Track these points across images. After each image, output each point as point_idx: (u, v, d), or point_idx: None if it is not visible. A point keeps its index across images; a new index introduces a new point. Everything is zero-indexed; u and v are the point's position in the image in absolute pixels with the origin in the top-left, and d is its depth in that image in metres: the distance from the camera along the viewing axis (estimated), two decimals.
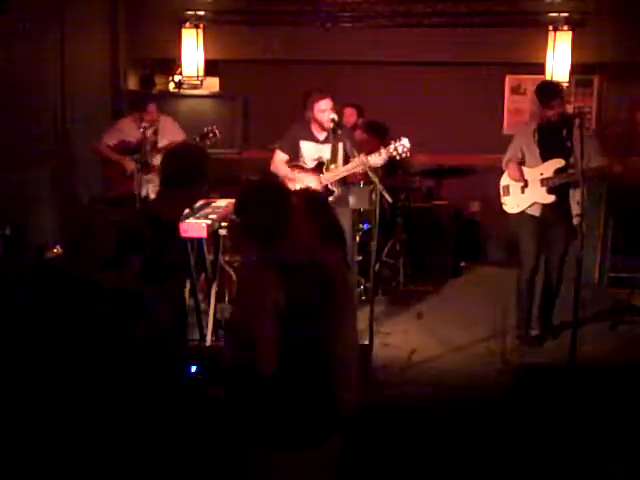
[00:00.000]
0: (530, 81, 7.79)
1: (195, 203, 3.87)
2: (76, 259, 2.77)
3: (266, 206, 2.68)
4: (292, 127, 5.55)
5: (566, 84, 7.36)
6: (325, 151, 5.48)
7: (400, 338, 5.60)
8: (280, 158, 5.57)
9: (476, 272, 7.34)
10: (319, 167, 5.48)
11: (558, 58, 7.30)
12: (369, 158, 5.14)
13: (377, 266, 6.07)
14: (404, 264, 6.75)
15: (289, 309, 2.59)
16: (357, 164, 5.23)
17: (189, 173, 3.21)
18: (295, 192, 3.18)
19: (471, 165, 7.38)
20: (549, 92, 5.25)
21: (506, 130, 7.87)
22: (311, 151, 5.49)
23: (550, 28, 7.31)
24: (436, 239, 7.28)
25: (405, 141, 5.14)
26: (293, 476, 2.65)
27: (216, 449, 2.80)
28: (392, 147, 5.16)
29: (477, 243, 7.72)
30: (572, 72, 7.32)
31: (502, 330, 5.49)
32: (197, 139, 6.01)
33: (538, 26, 7.38)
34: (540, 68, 7.41)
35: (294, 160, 5.54)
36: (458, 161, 7.42)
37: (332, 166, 5.44)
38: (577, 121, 4.88)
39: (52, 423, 2.54)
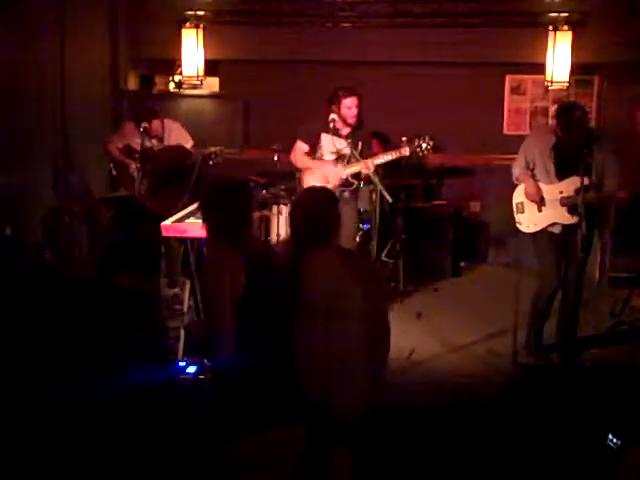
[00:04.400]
0: (530, 81, 7.80)
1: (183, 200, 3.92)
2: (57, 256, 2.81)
3: (229, 204, 2.91)
4: (314, 121, 5.66)
5: (566, 84, 7.37)
6: (345, 145, 5.58)
7: (399, 338, 5.58)
8: (300, 148, 5.69)
9: (476, 272, 7.35)
10: (339, 160, 5.61)
11: (558, 58, 7.29)
12: (391, 153, 5.53)
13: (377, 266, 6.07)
14: (404, 264, 6.75)
15: (248, 291, 2.71)
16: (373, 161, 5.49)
17: (178, 173, 3.31)
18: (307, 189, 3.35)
19: (471, 165, 7.38)
20: (567, 117, 4.91)
21: (506, 130, 7.87)
22: (331, 144, 5.59)
23: (550, 28, 7.31)
24: (436, 239, 7.28)
25: (429, 140, 5.54)
26: (251, 460, 2.71)
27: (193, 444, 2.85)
28: (416, 143, 5.50)
29: (477, 243, 7.72)
30: (572, 72, 7.31)
31: (503, 330, 5.48)
32: (199, 158, 6.00)
33: (538, 26, 7.38)
34: (540, 68, 7.42)
35: (313, 152, 5.67)
36: (458, 161, 7.42)
37: (352, 162, 5.56)
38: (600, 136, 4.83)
39: (52, 424, 2.54)
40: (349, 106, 5.53)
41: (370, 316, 2.96)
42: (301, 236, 3.01)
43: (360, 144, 5.60)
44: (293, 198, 5.42)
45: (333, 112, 5.56)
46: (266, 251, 2.95)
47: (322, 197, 3.15)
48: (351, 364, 2.94)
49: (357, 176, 5.60)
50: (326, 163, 5.61)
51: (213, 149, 5.94)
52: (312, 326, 2.87)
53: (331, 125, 5.50)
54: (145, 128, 6.20)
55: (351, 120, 5.55)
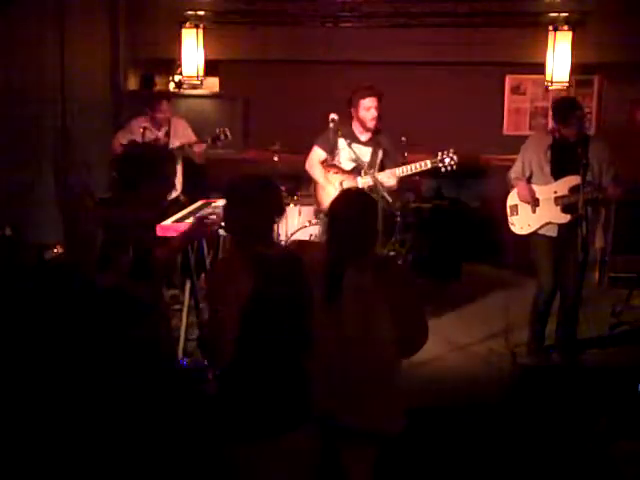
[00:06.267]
0: (530, 81, 7.81)
1: (160, 203, 3.77)
2: (68, 259, 2.80)
3: (250, 204, 2.76)
4: (333, 125, 5.21)
5: (566, 84, 7.37)
6: (364, 154, 5.28)
7: None
8: (317, 156, 5.36)
9: (476, 272, 7.34)
10: (356, 170, 5.33)
11: (558, 58, 7.29)
12: (412, 166, 5.18)
13: None
14: (404, 264, 6.73)
15: (255, 299, 2.64)
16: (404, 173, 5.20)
17: (143, 174, 3.21)
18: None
19: (471, 165, 7.37)
20: (565, 109, 4.97)
21: (506, 130, 7.87)
22: (350, 151, 5.18)
23: (550, 28, 7.31)
24: (437, 239, 7.27)
25: (453, 155, 5.16)
26: (254, 468, 2.68)
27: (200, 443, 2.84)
28: (439, 157, 5.15)
29: (477, 243, 7.71)
30: (572, 72, 7.31)
31: (503, 330, 5.48)
32: (208, 141, 6.02)
33: (538, 26, 7.38)
34: (540, 68, 7.42)
35: (330, 160, 5.35)
36: (458, 161, 7.41)
37: (370, 171, 5.16)
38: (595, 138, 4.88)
39: (51, 422, 2.54)
40: (368, 107, 5.17)
41: (401, 323, 2.89)
42: (339, 246, 2.91)
43: (381, 152, 5.28)
44: (329, 203, 4.75)
45: (352, 115, 5.28)
46: (278, 257, 2.81)
47: (362, 203, 3.01)
48: (380, 377, 2.91)
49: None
50: (340, 174, 5.30)
51: (219, 130, 5.94)
52: (342, 340, 2.83)
53: (331, 125, 5.16)
54: (145, 127, 6.19)
55: (370, 123, 5.20)
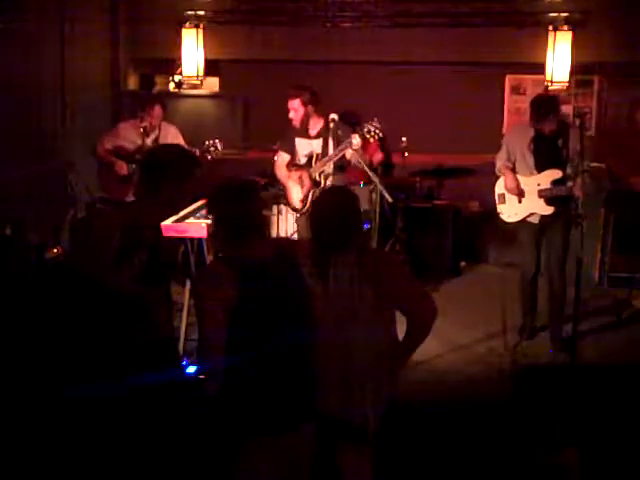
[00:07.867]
0: (530, 81, 7.81)
1: (180, 203, 3.68)
2: (78, 260, 2.79)
3: (233, 205, 2.77)
4: (333, 125, 5.47)
5: (566, 84, 7.38)
6: (316, 146, 5.55)
7: (399, 338, 5.58)
8: (281, 160, 5.71)
9: (476, 272, 7.34)
10: (309, 162, 5.57)
11: (558, 58, 7.31)
12: (343, 145, 5.23)
13: None
14: (404, 264, 6.74)
15: (242, 304, 2.64)
16: (338, 152, 5.31)
17: (168, 171, 3.20)
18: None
19: (471, 165, 7.37)
20: (541, 109, 5.09)
21: (506, 130, 7.87)
22: (303, 147, 5.61)
23: (550, 28, 7.32)
24: (436, 239, 7.27)
25: (376, 123, 5.16)
26: (254, 466, 2.69)
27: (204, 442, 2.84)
28: (365, 129, 5.17)
29: (477, 243, 7.71)
30: (572, 72, 7.33)
31: (503, 330, 5.48)
32: (197, 152, 5.94)
33: (538, 26, 7.39)
34: (540, 68, 7.43)
35: (293, 159, 5.65)
36: (458, 161, 7.42)
37: (320, 159, 5.50)
38: (577, 121, 4.93)
39: (50, 423, 2.55)
40: (289, 108, 5.55)
41: (403, 306, 3.00)
42: (323, 240, 2.97)
43: (331, 141, 5.43)
44: (309, 200, 5.41)
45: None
46: (265, 258, 2.77)
47: (343, 198, 3.09)
48: (370, 368, 2.93)
49: (343, 180, 5.55)
50: (298, 170, 5.58)
51: (208, 142, 5.81)
52: (332, 331, 2.85)
53: (331, 125, 5.37)
54: (145, 127, 6.15)
55: (295, 121, 5.55)
